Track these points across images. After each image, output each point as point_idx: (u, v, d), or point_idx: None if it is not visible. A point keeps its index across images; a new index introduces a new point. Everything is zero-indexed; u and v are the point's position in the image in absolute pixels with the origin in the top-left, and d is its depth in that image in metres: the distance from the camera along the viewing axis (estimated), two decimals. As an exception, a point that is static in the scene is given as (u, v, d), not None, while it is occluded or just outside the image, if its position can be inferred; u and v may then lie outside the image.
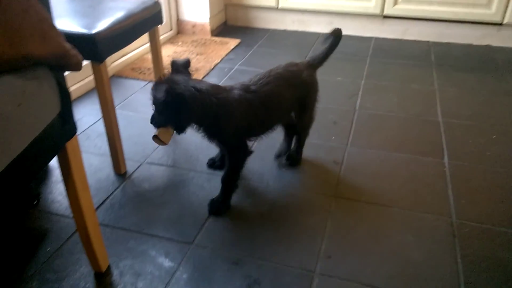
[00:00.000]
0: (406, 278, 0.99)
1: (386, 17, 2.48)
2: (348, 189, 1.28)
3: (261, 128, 1.21)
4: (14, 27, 0.59)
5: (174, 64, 1.08)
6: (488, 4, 2.28)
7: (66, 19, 1.16)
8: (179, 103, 0.96)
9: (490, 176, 1.35)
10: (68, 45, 0.67)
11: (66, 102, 0.70)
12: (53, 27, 0.65)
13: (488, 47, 2.40)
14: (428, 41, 2.49)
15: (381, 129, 1.60)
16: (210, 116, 1.04)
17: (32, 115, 0.61)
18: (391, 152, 1.46)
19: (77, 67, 0.69)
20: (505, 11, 2.27)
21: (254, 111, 1.12)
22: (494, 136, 1.56)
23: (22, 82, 0.60)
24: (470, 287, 0.97)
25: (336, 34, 1.41)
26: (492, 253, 1.06)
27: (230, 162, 1.16)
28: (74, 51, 0.68)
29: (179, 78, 1.02)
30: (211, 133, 1.12)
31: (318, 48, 1.45)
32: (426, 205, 1.22)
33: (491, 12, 2.29)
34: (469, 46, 2.42)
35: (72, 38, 1.08)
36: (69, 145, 0.75)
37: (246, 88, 1.13)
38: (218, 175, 1.31)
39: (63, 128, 0.72)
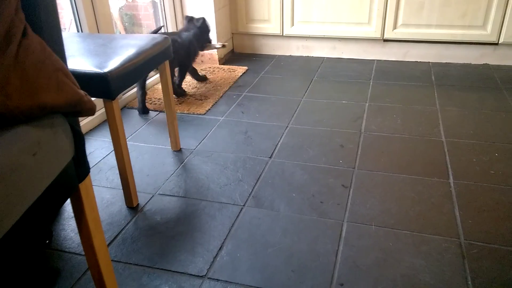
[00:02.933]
0: (418, 304, 0.95)
1: (386, 40, 2.47)
2: (358, 213, 1.25)
3: None
4: (30, 79, 0.59)
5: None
6: (483, 26, 2.27)
7: (79, 58, 1.16)
8: None
9: (495, 194, 1.31)
10: (82, 92, 0.66)
11: (80, 146, 0.69)
12: (68, 75, 0.65)
13: (486, 66, 2.37)
14: (428, 62, 2.47)
15: (387, 150, 1.57)
16: None
17: (47, 162, 0.60)
18: (398, 174, 1.43)
19: (90, 112, 0.68)
20: (500, 32, 2.25)
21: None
22: (496, 154, 1.52)
23: (37, 131, 0.59)
24: (484, 311, 0.93)
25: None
26: (501, 274, 1.02)
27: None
28: (87, 97, 0.67)
29: None
30: None
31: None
32: (435, 226, 1.19)
33: (487, 33, 2.28)
34: (468, 65, 2.40)
35: (85, 77, 1.09)
36: (82, 185, 0.73)
37: None
38: (230, 205, 1.30)
39: (76, 171, 0.71)
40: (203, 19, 2.13)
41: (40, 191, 0.60)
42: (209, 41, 2.22)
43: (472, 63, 2.41)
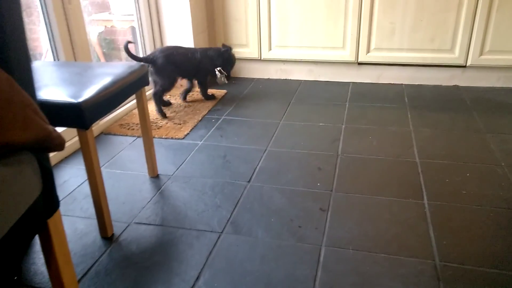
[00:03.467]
0: (396, 330, 0.95)
1: (360, 63, 2.53)
2: (336, 237, 1.24)
3: None
4: None
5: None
6: (451, 49, 2.34)
7: (53, 88, 1.14)
8: None
9: (467, 214, 1.33)
10: (50, 128, 0.65)
11: (48, 181, 0.67)
12: (36, 112, 0.63)
13: (456, 87, 2.44)
14: (401, 84, 2.53)
15: (363, 172, 1.59)
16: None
17: (12, 201, 0.58)
18: (374, 196, 1.44)
19: (59, 148, 0.66)
20: (467, 55, 2.33)
21: None
22: (468, 174, 1.55)
23: (2, 170, 0.57)
24: (460, 335, 0.93)
25: None
26: (477, 296, 1.03)
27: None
28: (56, 133, 0.65)
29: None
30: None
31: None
32: (411, 249, 1.19)
33: (455, 56, 2.35)
34: (439, 87, 2.46)
35: (58, 107, 1.07)
36: (51, 221, 0.71)
37: None
38: (207, 232, 1.28)
39: (45, 207, 0.68)
40: (227, 49, 2.28)
41: (5, 229, 0.58)
42: (217, 69, 2.32)
43: (443, 84, 2.48)
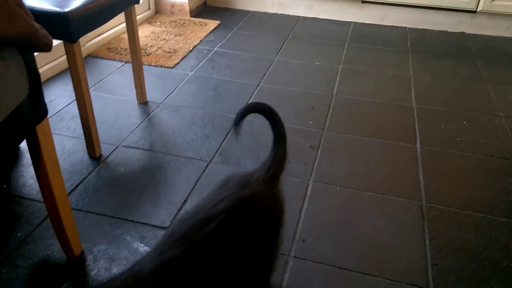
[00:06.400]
0: (376, 260, 1.01)
1: (364, 2, 2.46)
2: (325, 173, 1.28)
3: None
4: None
5: None
6: (463, -8, 2.30)
7: (38, -3, 1.10)
8: None
9: (459, 161, 1.37)
10: (37, 25, 0.63)
11: (35, 84, 0.67)
12: (21, 5, 0.61)
13: (462, 34, 2.42)
14: (405, 27, 2.49)
15: (357, 114, 1.60)
16: None
17: (-1, 98, 0.58)
18: (366, 137, 1.47)
19: (47, 48, 0.65)
20: (479, -1, 2.29)
21: None
22: (464, 122, 1.58)
23: (-13, 63, 0.57)
24: (437, 268, 1.00)
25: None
26: (458, 236, 1.09)
27: None
28: (43, 31, 0.64)
29: None
30: None
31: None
32: (398, 189, 1.24)
33: (465, 0, 2.31)
34: (444, 32, 2.44)
35: (43, 16, 1.04)
36: (39, 128, 0.72)
37: None
38: (196, 160, 1.30)
39: (32, 111, 0.69)
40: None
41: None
42: None
43: (449, 30, 2.45)
